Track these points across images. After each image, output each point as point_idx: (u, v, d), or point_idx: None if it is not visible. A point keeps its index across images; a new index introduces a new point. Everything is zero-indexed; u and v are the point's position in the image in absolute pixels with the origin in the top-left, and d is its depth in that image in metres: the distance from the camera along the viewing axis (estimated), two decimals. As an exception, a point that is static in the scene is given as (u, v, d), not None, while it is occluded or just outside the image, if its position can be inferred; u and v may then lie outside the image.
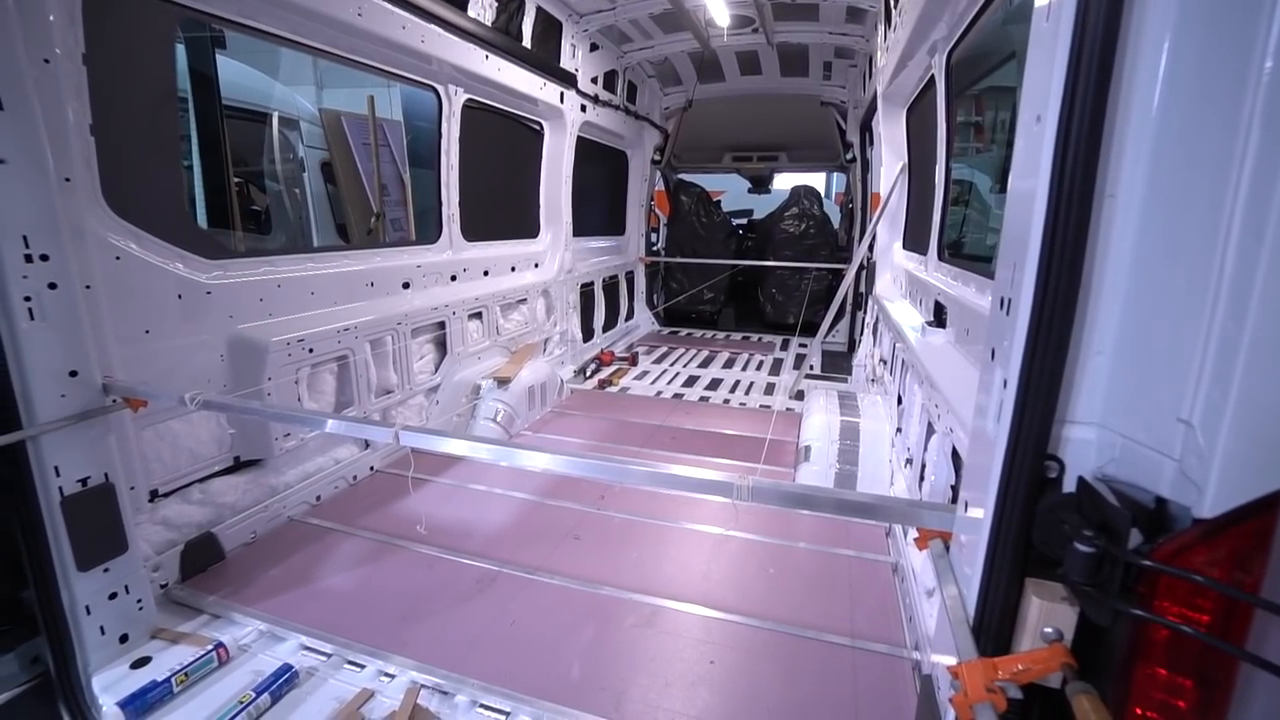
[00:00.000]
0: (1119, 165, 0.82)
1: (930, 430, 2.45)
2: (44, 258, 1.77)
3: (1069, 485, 0.93)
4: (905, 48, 3.37)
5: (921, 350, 2.70)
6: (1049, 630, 0.90)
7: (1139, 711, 0.82)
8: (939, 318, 2.89)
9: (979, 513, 1.07)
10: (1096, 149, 0.81)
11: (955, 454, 2.06)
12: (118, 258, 2.19)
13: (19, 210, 1.71)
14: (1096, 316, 0.86)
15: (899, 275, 4.46)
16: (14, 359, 1.74)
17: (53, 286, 1.80)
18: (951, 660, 1.02)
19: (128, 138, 2.25)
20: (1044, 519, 0.91)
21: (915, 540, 1.31)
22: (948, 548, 1.28)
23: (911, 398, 2.94)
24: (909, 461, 2.87)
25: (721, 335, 8.04)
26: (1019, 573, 0.94)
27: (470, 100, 4.20)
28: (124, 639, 2.03)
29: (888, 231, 4.75)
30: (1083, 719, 0.74)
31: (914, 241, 4.19)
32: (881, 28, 4.29)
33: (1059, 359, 0.88)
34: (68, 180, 1.90)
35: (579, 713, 1.82)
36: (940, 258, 3.28)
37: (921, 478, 2.56)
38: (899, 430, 3.29)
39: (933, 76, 3.36)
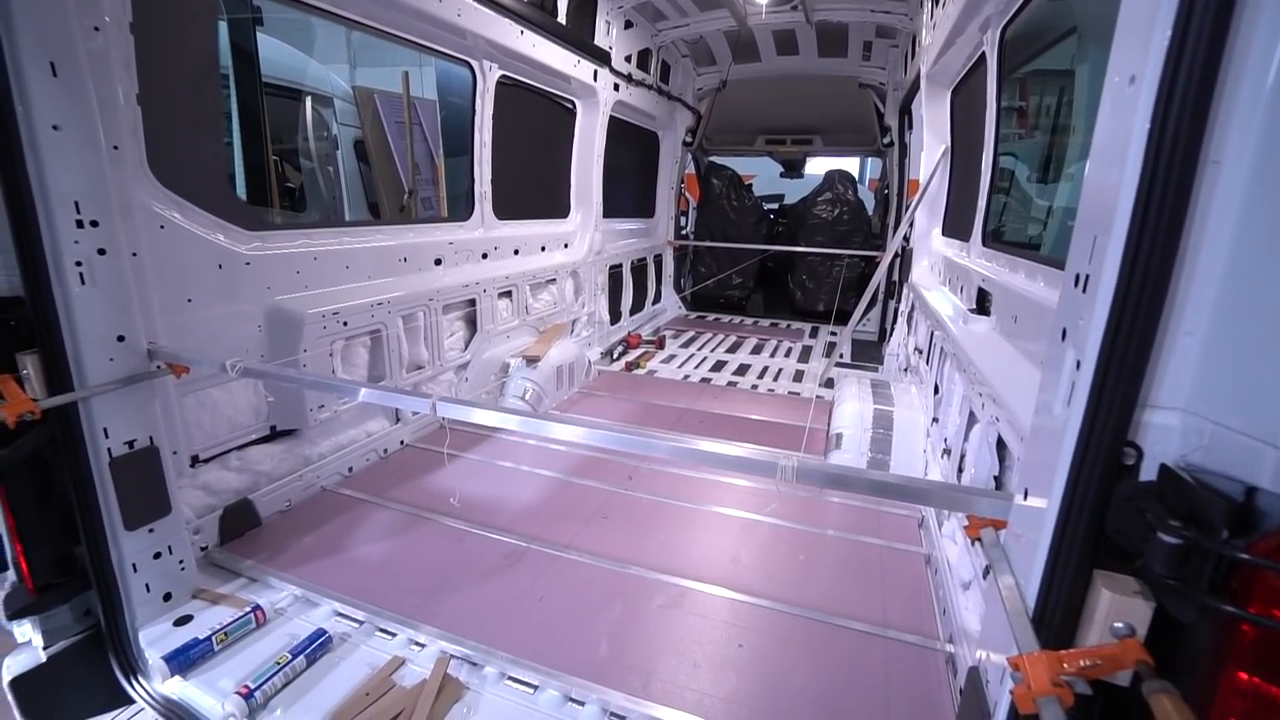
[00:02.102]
0: (1226, 129, 0.75)
1: (972, 420, 2.38)
2: (94, 224, 1.80)
3: (1146, 474, 0.87)
4: (955, 24, 3.23)
5: (963, 338, 2.61)
6: (1119, 625, 0.85)
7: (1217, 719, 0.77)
8: (982, 305, 2.80)
9: (1041, 501, 1.02)
10: (1205, 113, 0.74)
11: (1000, 444, 1.99)
12: (162, 226, 2.22)
13: (71, 176, 1.74)
14: (1189, 293, 0.80)
15: (937, 262, 4.33)
16: (66, 322, 1.78)
17: (102, 252, 1.83)
18: (1005, 653, 0.98)
19: (172, 108, 2.27)
20: (1120, 508, 0.86)
21: (965, 529, 1.26)
22: (998, 537, 1.23)
23: (951, 386, 2.86)
24: (946, 451, 2.79)
25: (750, 321, 7.94)
26: (1087, 563, 0.89)
27: (504, 77, 4.16)
28: (167, 597, 2.10)
29: (926, 217, 4.61)
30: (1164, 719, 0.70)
31: (955, 227, 4.05)
32: (928, 4, 4.12)
33: (1145, 340, 0.82)
34: (116, 148, 1.92)
35: (607, 689, 1.82)
36: (984, 244, 3.17)
37: (960, 468, 2.50)
38: (935, 420, 3.21)
39: (983, 54, 3.22)
